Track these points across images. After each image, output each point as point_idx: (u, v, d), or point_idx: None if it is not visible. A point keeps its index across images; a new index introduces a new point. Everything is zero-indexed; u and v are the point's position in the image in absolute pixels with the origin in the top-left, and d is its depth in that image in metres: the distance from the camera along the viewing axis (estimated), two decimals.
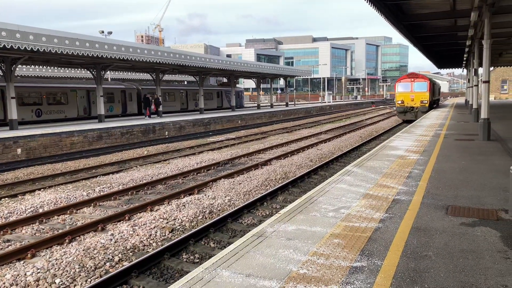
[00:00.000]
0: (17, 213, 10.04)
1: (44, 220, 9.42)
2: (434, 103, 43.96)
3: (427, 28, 23.53)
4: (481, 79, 17.77)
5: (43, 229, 8.94)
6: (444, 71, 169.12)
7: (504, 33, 21.52)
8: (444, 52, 36.21)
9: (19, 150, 18.16)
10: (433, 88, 36.99)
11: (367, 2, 15.00)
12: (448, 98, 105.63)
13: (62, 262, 6.96)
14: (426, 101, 31.85)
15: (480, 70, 26.56)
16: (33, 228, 8.97)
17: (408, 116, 32.45)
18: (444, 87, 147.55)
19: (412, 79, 32.74)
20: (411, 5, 18.39)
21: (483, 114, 14.76)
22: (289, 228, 5.83)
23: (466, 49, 29.46)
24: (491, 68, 53.90)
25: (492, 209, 6.52)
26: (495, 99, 64.09)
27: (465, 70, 49.88)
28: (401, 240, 5.25)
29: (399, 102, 32.97)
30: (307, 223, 6.01)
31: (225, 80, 53.45)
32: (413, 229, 5.65)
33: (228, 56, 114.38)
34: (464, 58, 37.13)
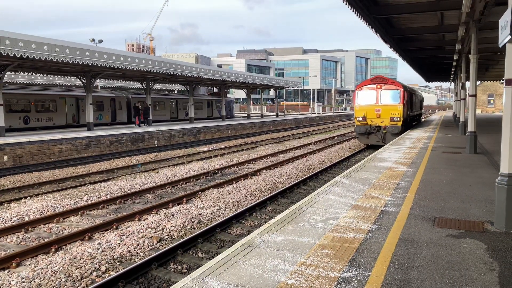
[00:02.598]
0: (2, 221, 9.89)
1: (30, 229, 9.30)
2: (414, 120, 33.71)
3: (415, 41, 23.90)
4: (468, 93, 18.07)
5: (29, 237, 8.82)
6: (432, 84, 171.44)
7: (491, 48, 21.96)
8: (432, 65, 36.74)
9: (5, 158, 17.94)
10: (411, 99, 27.39)
11: (357, 15, 15.21)
12: (436, 111, 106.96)
13: (47, 271, 6.86)
14: (398, 118, 22.59)
15: (467, 84, 26.98)
16: (18, 237, 8.85)
17: (373, 139, 23.26)
18: (432, 100, 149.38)
19: (379, 86, 23.05)
20: (400, 19, 18.69)
21: (470, 127, 14.96)
22: (278, 238, 5.83)
23: (454, 63, 29.88)
24: (478, 82, 54.77)
25: (478, 221, 6.59)
26: (482, 112, 65.06)
27: (452, 84, 50.61)
28: (388, 251, 5.28)
29: (359, 119, 23.36)
30: (296, 234, 6.01)
31: (215, 90, 53.54)
32: (400, 240, 5.69)
33: (219, 66, 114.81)
34: (452, 72, 37.68)
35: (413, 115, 30.32)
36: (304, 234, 5.98)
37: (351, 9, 14.33)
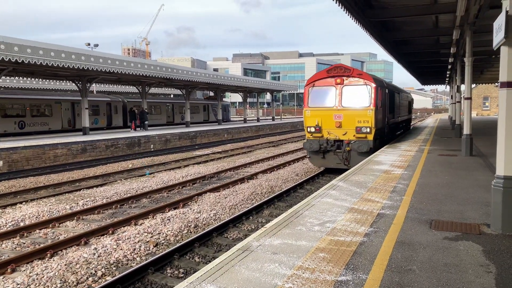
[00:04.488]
0: None
1: (25, 234, 9.24)
2: (398, 128, 25.84)
3: (410, 45, 24.01)
4: (463, 96, 18.14)
5: (24, 243, 8.77)
6: (427, 87, 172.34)
7: (485, 51, 22.07)
8: (427, 68, 36.91)
9: (0, 163, 17.84)
10: (392, 100, 19.96)
11: (352, 19, 15.26)
12: (432, 114, 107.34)
13: (43, 277, 6.81)
14: (368, 129, 15.47)
15: (463, 87, 27.09)
16: (13, 242, 8.79)
17: (331, 160, 16.17)
18: (428, 103, 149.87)
19: (338, 80, 15.87)
20: (395, 22, 18.78)
21: (466, 130, 15.02)
22: (274, 242, 5.82)
23: (449, 66, 30.02)
24: (473, 85, 55.05)
25: (474, 223, 6.60)
26: (477, 115, 65.33)
27: (448, 87, 50.81)
28: (385, 254, 5.27)
29: (311, 129, 16.28)
30: (293, 237, 6.00)
31: (211, 93, 53.56)
32: (397, 243, 5.69)
33: (215, 70, 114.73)
34: (447, 75, 37.85)
35: (395, 121, 22.46)
36: (301, 238, 5.97)
37: (346, 13, 14.39)
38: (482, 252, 5.33)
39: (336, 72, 16.03)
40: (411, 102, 34.73)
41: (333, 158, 16.11)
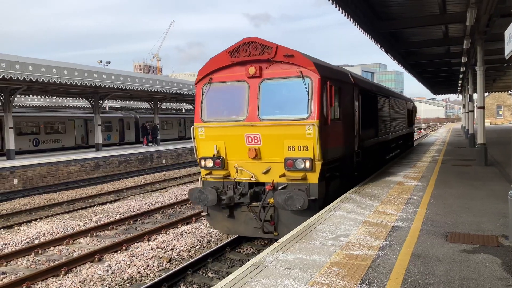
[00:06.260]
0: (12, 244, 9.92)
1: (40, 252, 9.31)
2: (389, 150, 18.19)
3: (421, 55, 23.91)
4: (476, 105, 17.92)
5: (39, 260, 8.82)
6: (439, 97, 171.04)
7: (497, 59, 21.86)
8: (438, 78, 36.66)
9: (15, 180, 18.06)
10: (369, 106, 12.73)
11: (362, 31, 15.29)
12: (445, 123, 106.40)
13: None
14: (308, 162, 8.08)
15: (475, 96, 26.81)
16: (28, 260, 8.85)
17: (244, 222, 8.66)
18: (440, 113, 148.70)
19: (253, 69, 8.37)
20: (404, 33, 18.75)
21: (480, 139, 14.82)
22: (288, 257, 5.76)
23: (461, 75, 29.79)
24: (486, 94, 54.53)
25: (492, 235, 6.47)
26: (491, 124, 64.57)
27: (460, 96, 50.37)
28: (401, 268, 5.19)
29: (207, 164, 9.18)
30: (307, 252, 5.94)
31: None
32: (413, 256, 5.59)
33: None
34: (459, 84, 37.54)
35: (382, 140, 15.11)
36: (315, 252, 5.91)
37: (355, 25, 14.42)
38: (501, 265, 5.22)
39: (246, 54, 8.60)
40: (412, 110, 25.09)
41: (247, 218, 8.77)
